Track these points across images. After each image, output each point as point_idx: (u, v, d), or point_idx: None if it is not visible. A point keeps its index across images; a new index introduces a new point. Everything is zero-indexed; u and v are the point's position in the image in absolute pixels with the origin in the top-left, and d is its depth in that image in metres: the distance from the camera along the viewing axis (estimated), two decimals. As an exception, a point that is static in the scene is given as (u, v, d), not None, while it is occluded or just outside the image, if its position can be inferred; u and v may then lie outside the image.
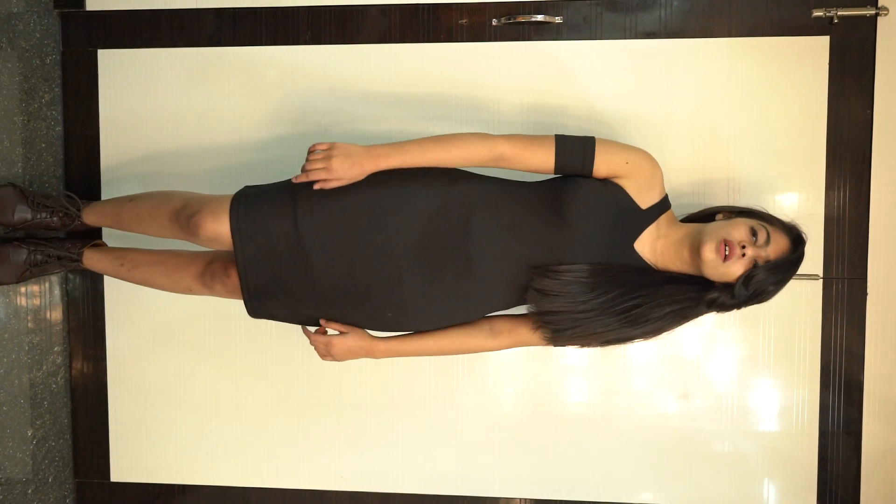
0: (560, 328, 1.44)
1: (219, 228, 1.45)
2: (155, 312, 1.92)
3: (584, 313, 1.41)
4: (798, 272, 1.48)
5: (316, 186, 1.40)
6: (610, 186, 1.43)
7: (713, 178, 1.75)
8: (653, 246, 1.45)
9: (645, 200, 1.44)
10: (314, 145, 1.41)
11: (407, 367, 1.87)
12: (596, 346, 1.49)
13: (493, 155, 1.42)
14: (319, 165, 1.39)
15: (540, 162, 1.43)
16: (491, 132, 1.77)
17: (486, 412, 1.87)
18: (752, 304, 1.40)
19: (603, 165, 1.42)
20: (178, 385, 1.94)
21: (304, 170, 1.41)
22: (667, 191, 1.48)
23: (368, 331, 1.54)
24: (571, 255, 1.40)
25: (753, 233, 1.36)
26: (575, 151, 1.42)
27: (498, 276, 1.43)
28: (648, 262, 1.45)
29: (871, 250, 1.75)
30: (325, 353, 1.52)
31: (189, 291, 1.66)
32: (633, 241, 1.44)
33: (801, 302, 1.76)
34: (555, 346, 1.51)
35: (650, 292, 1.41)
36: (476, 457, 1.89)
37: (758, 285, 1.36)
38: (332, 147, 1.39)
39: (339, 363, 1.85)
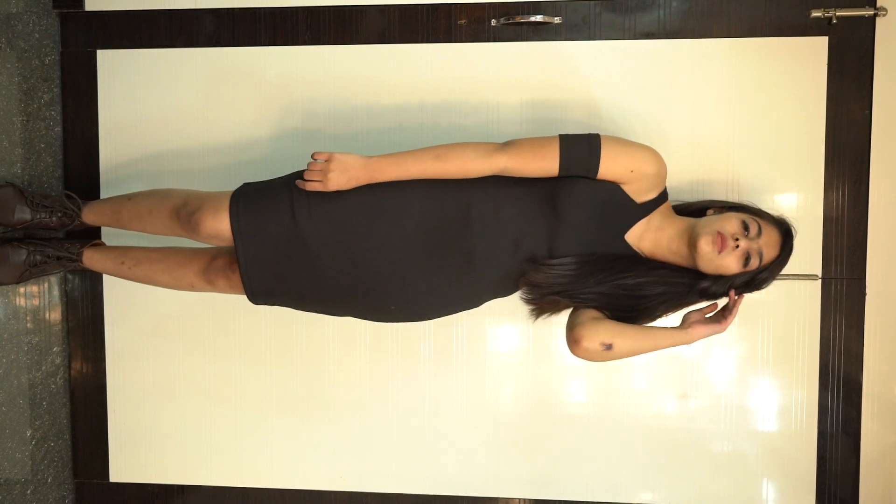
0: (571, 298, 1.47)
1: (219, 226, 1.47)
2: (154, 313, 1.92)
3: (581, 292, 1.44)
4: (797, 272, 1.49)
5: (310, 188, 1.43)
6: (609, 186, 1.44)
7: (712, 179, 1.76)
8: (643, 237, 1.48)
9: (642, 197, 1.46)
10: (315, 153, 1.43)
11: (406, 367, 1.87)
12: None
13: (492, 170, 1.42)
14: (316, 177, 1.42)
15: (543, 172, 1.43)
16: (489, 133, 1.79)
17: (486, 412, 1.87)
18: (744, 293, 1.45)
19: (608, 173, 1.42)
20: (177, 385, 1.94)
21: (304, 178, 1.44)
22: (667, 191, 1.49)
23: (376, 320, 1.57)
24: (564, 247, 1.43)
25: (745, 226, 1.39)
26: (580, 160, 1.41)
27: (496, 268, 1.46)
28: (639, 252, 1.48)
29: (869, 250, 1.75)
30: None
31: (191, 288, 1.67)
32: (624, 232, 1.47)
33: (799, 302, 1.77)
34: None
35: (641, 272, 1.45)
36: (475, 457, 1.89)
37: (751, 276, 1.41)
38: (330, 159, 1.41)
39: (345, 365, 1.86)
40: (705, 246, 1.38)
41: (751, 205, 1.51)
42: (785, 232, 1.45)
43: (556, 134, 1.43)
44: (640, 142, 1.49)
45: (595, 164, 1.41)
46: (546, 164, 1.41)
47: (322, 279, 1.47)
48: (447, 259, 1.45)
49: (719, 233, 1.38)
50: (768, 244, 1.41)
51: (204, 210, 1.48)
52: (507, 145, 1.43)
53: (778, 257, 1.43)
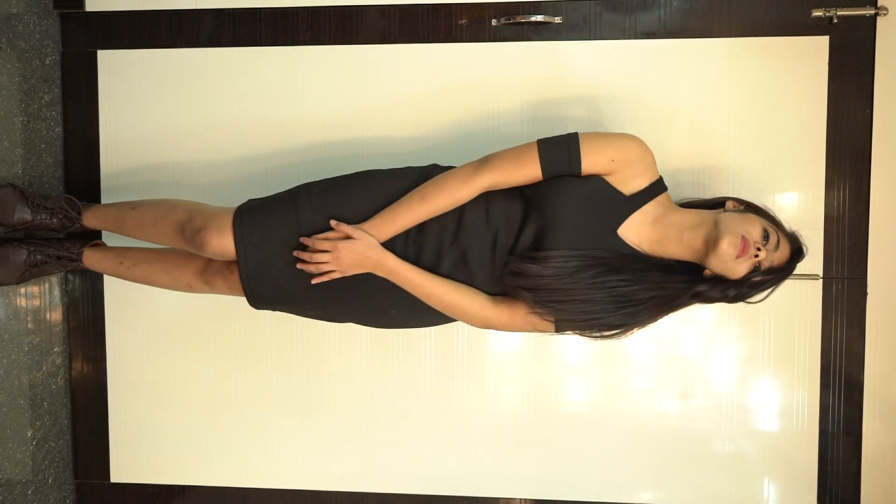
0: (543, 302, 1.41)
1: (224, 244, 1.48)
2: (155, 313, 1.93)
3: (565, 291, 1.39)
4: (798, 272, 1.48)
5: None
6: (593, 179, 1.42)
7: (713, 178, 1.75)
8: (641, 230, 1.44)
9: (630, 188, 1.43)
10: (314, 238, 1.44)
11: (407, 367, 1.87)
12: (590, 330, 1.45)
13: (480, 190, 1.42)
14: (325, 258, 1.43)
15: (528, 179, 1.42)
16: (490, 133, 1.79)
17: (486, 412, 1.87)
18: (736, 302, 1.42)
19: (590, 167, 1.41)
20: (177, 385, 1.94)
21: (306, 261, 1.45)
22: (664, 183, 1.48)
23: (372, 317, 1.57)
24: (553, 245, 1.40)
25: (766, 235, 1.36)
26: (560, 160, 1.40)
27: (490, 269, 1.45)
28: (635, 248, 1.44)
29: (870, 250, 1.75)
30: (333, 262, 1.43)
31: (189, 289, 1.68)
32: (616, 227, 1.43)
33: (801, 302, 1.76)
34: (556, 331, 1.47)
35: (635, 276, 1.40)
36: (476, 457, 1.89)
37: (750, 288, 1.39)
38: (334, 248, 1.42)
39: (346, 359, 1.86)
40: (728, 248, 1.34)
41: (769, 210, 1.47)
42: (796, 250, 1.42)
43: (535, 140, 1.42)
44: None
45: (577, 160, 1.40)
46: (528, 170, 1.40)
47: (322, 287, 1.48)
48: (443, 262, 1.45)
49: (745, 237, 1.34)
50: (780, 259, 1.39)
51: (209, 229, 1.49)
52: (485, 161, 1.42)
53: (780, 273, 1.40)
